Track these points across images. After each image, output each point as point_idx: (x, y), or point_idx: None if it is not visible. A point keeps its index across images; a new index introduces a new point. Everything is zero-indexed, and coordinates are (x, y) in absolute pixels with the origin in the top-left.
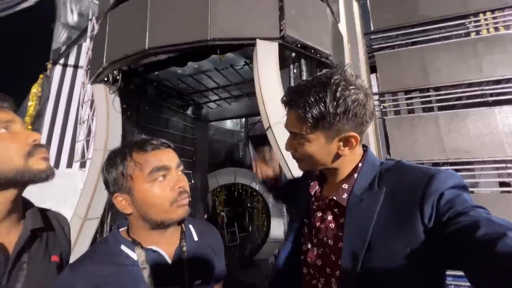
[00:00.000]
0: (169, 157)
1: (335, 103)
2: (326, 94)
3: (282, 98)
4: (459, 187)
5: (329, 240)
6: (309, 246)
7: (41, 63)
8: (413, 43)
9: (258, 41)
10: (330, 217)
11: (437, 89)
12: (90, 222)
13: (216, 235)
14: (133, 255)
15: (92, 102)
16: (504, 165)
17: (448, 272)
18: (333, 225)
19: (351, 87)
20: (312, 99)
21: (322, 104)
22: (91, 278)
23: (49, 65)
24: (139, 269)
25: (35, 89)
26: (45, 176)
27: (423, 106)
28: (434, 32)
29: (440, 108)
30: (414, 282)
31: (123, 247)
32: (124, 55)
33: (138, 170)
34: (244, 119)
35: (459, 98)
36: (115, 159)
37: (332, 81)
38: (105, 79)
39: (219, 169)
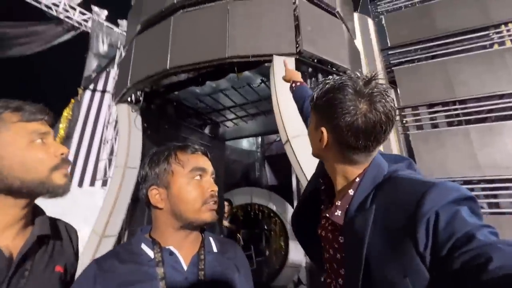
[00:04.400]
0: (206, 162)
1: (321, 92)
2: (326, 84)
3: None
4: (456, 201)
5: (337, 254)
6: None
7: (73, 89)
8: (433, 57)
9: (275, 57)
10: (330, 236)
11: (462, 102)
12: (107, 239)
13: (240, 252)
14: (151, 253)
15: (116, 123)
16: None
17: None
18: (336, 245)
19: (338, 88)
20: (320, 85)
21: (320, 88)
22: (113, 275)
23: (80, 91)
24: (154, 268)
25: (66, 113)
26: (61, 192)
27: (448, 120)
28: (455, 45)
29: (468, 122)
30: None
31: (143, 246)
32: (147, 75)
33: (179, 167)
34: (260, 139)
35: (491, 111)
36: (159, 156)
37: (333, 78)
38: (129, 99)
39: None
